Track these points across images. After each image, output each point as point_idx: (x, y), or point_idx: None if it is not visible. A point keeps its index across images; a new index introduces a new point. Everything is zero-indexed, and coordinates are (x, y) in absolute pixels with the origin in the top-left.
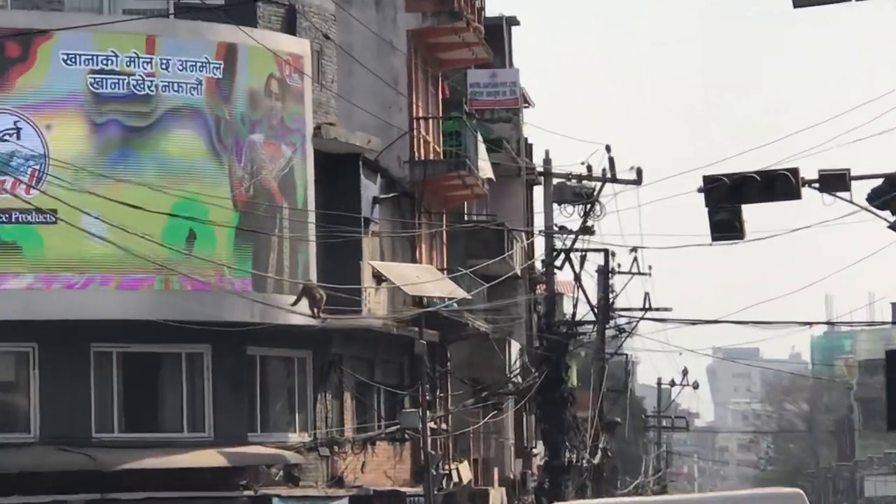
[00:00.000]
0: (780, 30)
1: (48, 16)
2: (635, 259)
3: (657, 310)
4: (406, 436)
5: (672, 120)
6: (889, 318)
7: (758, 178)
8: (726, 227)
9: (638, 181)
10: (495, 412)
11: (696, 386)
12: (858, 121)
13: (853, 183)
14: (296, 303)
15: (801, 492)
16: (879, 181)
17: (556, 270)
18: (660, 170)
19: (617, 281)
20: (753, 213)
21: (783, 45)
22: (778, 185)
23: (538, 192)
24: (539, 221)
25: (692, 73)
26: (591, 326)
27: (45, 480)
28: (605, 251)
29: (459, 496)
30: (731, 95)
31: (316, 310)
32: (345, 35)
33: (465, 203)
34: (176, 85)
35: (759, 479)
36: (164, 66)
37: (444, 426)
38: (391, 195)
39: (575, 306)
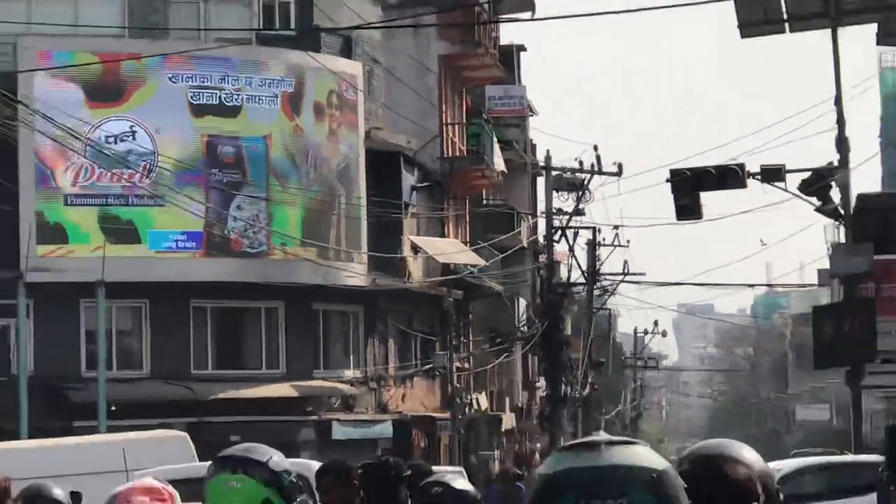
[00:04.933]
0: (739, 48)
1: (157, 43)
2: (616, 235)
3: (634, 274)
4: (437, 373)
5: (650, 122)
6: (815, 282)
7: (713, 171)
8: (688, 210)
9: (619, 173)
10: (507, 354)
11: (664, 334)
12: (794, 124)
13: (788, 175)
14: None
15: (186, 434)
16: (808, 174)
17: (554, 244)
18: (638, 163)
19: (602, 252)
20: (710, 198)
21: (740, 60)
22: (729, 177)
23: (540, 182)
24: (541, 205)
25: (667, 82)
26: (581, 287)
27: (155, 407)
28: (593, 229)
29: (479, 420)
30: (697, 100)
31: (407, 273)
32: (389, 59)
33: (484, 190)
34: (257, 98)
35: (715, 408)
36: (247, 83)
37: (466, 365)
38: (425, 185)
39: (569, 272)
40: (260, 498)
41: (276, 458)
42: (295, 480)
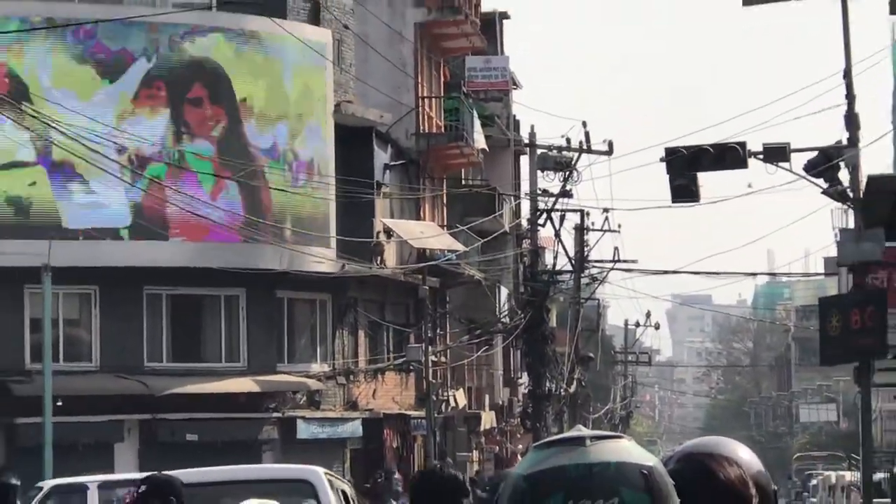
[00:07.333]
0: (737, 19)
1: (111, 8)
2: (606, 219)
3: (625, 262)
4: (411, 367)
5: (642, 99)
6: (822, 271)
7: (711, 149)
8: (684, 191)
9: (609, 152)
10: (487, 347)
11: (657, 327)
12: (799, 100)
13: (792, 155)
14: (377, 261)
15: (318, 469)
16: (815, 153)
17: (539, 228)
18: (629, 142)
19: (591, 237)
20: (708, 180)
21: (738, 34)
22: (728, 156)
23: (524, 161)
24: (525, 186)
25: (661, 57)
26: (568, 275)
27: (105, 402)
28: (581, 212)
29: (456, 419)
30: (694, 77)
31: (379, 259)
32: (361, 26)
33: (462, 170)
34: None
35: (711, 406)
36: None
37: (443, 359)
38: (399, 162)
39: (555, 258)
40: None
41: None
42: None
